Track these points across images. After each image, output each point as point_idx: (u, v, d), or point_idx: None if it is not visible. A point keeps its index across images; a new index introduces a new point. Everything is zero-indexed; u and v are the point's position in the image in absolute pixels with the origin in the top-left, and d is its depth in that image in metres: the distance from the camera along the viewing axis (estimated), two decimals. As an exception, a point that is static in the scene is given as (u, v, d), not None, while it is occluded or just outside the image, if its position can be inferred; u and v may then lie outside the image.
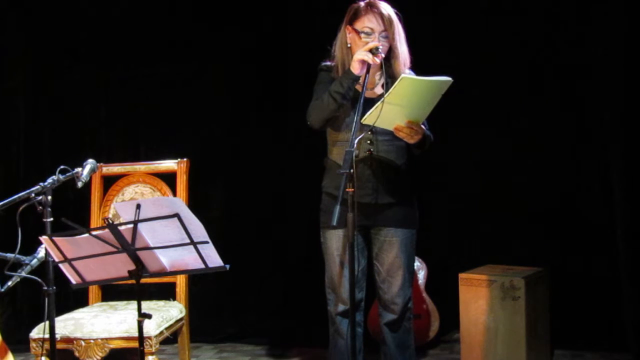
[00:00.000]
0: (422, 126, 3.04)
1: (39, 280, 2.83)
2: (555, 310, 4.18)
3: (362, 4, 3.13)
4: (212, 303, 4.86)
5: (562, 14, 4.38)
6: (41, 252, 2.85)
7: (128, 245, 2.61)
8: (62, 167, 2.95)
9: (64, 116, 5.00)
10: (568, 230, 4.42)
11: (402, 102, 2.87)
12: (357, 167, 2.95)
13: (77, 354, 3.35)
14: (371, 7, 3.10)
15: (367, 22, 3.09)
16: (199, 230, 2.57)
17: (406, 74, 3.02)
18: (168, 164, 3.92)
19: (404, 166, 3.21)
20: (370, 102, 2.96)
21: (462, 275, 4.07)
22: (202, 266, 2.64)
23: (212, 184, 4.85)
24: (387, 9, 3.09)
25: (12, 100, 5.06)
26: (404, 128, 2.99)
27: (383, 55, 3.04)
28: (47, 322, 2.89)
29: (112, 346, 3.36)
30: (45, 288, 2.82)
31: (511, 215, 4.51)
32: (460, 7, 4.53)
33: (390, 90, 2.85)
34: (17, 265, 2.84)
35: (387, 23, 3.07)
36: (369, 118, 2.90)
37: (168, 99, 4.91)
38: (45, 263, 2.82)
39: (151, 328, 3.31)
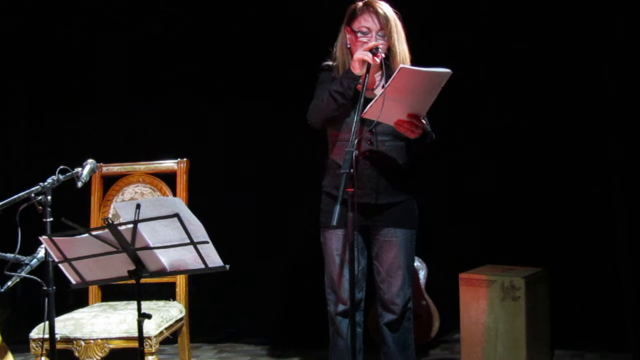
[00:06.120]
0: (423, 121, 3.04)
1: (39, 280, 2.83)
2: (555, 310, 4.18)
3: (359, 4, 3.12)
4: (212, 303, 4.85)
5: (563, 15, 4.38)
6: (41, 252, 2.84)
7: (128, 245, 2.61)
8: (62, 167, 2.94)
9: (64, 116, 5.00)
10: (568, 230, 4.42)
11: (402, 95, 2.86)
12: (357, 166, 2.95)
13: (77, 354, 3.35)
14: (367, 6, 3.09)
15: (364, 22, 3.08)
16: (199, 230, 2.57)
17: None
18: (168, 164, 3.91)
19: (404, 166, 3.20)
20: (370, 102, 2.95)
21: (462, 275, 4.06)
22: (202, 266, 2.64)
23: (212, 184, 4.84)
24: (384, 8, 3.08)
25: (12, 99, 5.06)
26: (404, 122, 2.98)
27: (383, 55, 3.03)
28: (47, 322, 2.89)
29: (112, 346, 3.35)
30: (45, 288, 2.81)
31: (511, 215, 4.50)
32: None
33: (390, 81, 2.84)
34: (17, 265, 2.83)
35: (383, 22, 3.06)
36: (370, 112, 2.89)
37: (168, 99, 4.91)
38: (45, 263, 2.81)
39: (151, 328, 3.31)
